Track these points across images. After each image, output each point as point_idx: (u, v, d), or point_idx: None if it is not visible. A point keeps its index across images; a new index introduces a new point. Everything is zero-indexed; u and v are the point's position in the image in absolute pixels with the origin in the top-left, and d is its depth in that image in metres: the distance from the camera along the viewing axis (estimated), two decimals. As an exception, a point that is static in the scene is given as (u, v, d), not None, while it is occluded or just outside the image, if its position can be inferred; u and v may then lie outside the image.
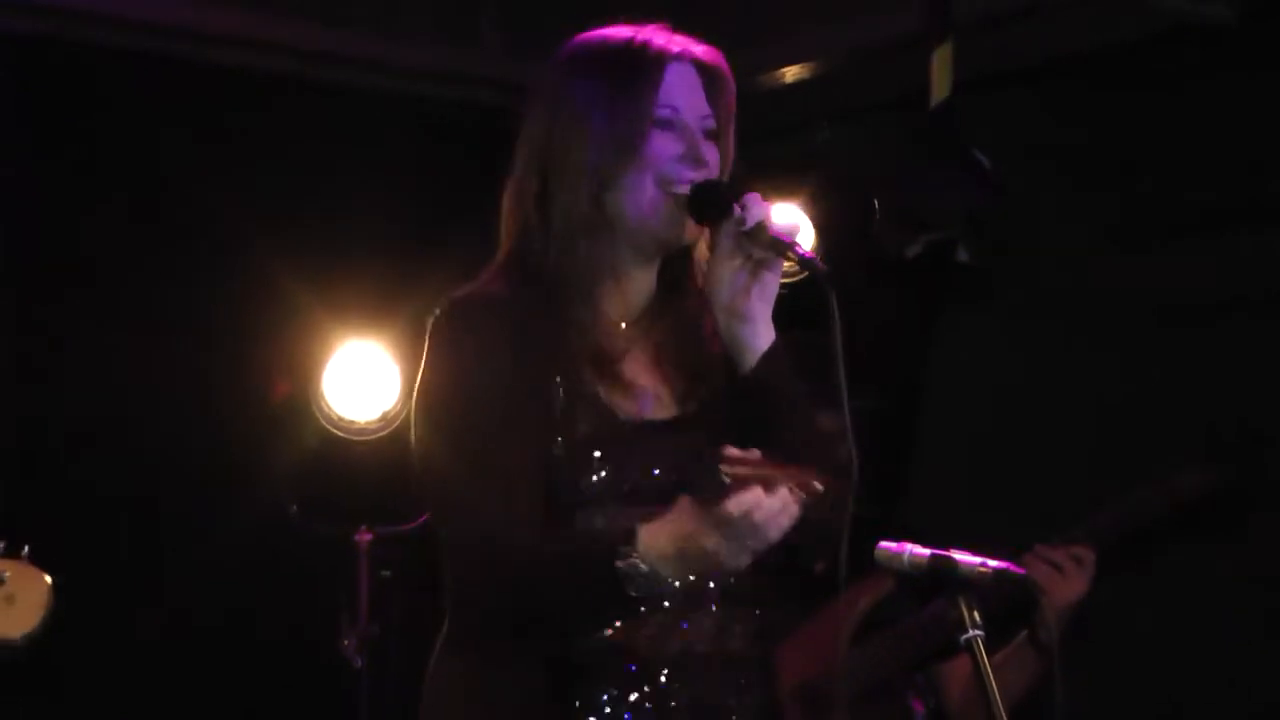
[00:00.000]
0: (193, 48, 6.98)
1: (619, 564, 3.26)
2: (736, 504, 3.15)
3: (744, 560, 3.22)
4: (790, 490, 3.20)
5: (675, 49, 3.52)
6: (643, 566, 3.26)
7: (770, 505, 3.17)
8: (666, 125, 3.48)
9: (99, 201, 6.69)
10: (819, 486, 3.24)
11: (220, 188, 6.68)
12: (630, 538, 3.24)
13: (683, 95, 3.52)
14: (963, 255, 5.81)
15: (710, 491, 3.25)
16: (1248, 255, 7.60)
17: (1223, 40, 6.32)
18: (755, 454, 3.23)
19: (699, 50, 3.55)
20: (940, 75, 5.79)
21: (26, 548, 2.72)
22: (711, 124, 3.54)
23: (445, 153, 6.94)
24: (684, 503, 3.23)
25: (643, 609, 3.42)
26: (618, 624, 3.46)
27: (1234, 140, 7.06)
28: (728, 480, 3.21)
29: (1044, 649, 4.83)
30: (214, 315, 6.77)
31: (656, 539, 3.25)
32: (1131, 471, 5.18)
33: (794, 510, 3.19)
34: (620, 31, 3.56)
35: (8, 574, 2.69)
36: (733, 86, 3.58)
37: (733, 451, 3.21)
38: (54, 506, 6.40)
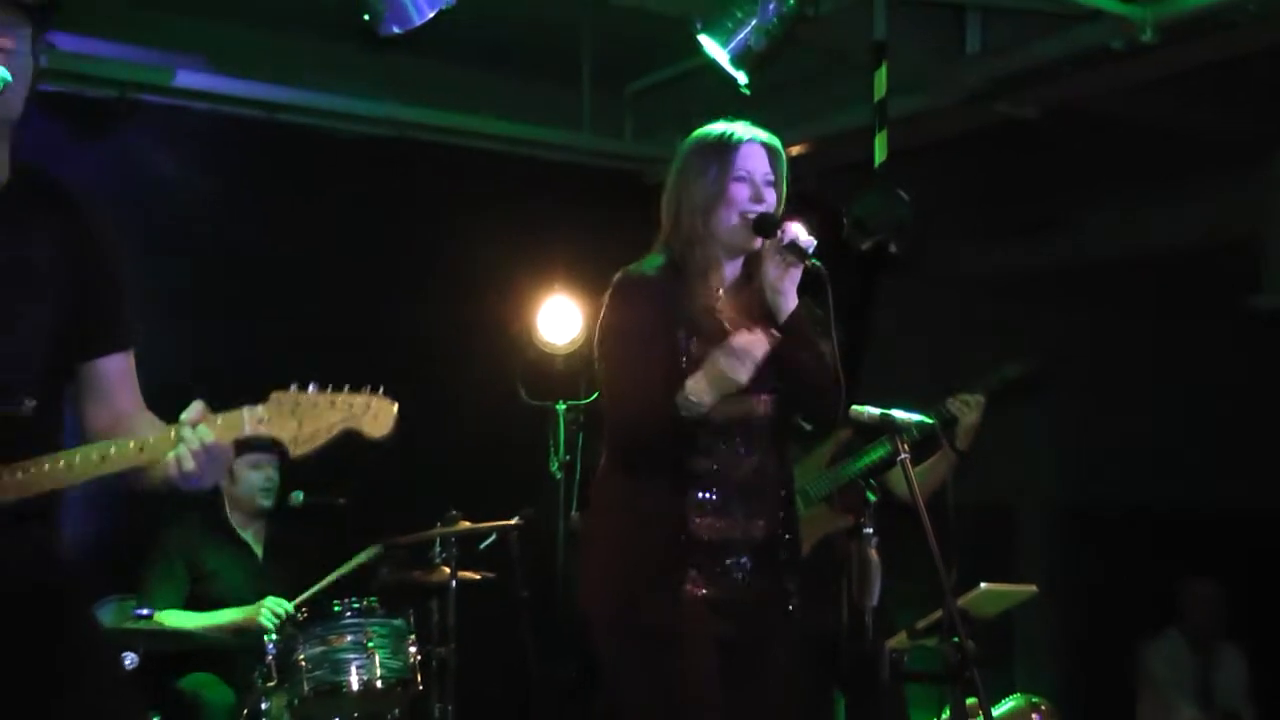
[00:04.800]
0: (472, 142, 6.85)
1: (676, 399, 3.36)
2: (734, 337, 3.32)
3: (745, 375, 3.32)
4: (764, 332, 3.33)
5: (748, 135, 3.55)
6: (691, 398, 3.35)
7: (751, 338, 3.30)
8: (742, 180, 3.50)
9: (428, 233, 6.64)
10: (776, 334, 3.36)
11: (489, 225, 6.62)
12: (681, 387, 3.36)
13: (752, 162, 3.53)
14: (893, 249, 5.80)
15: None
16: (1055, 251, 7.70)
17: (1029, 128, 6.31)
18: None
19: (764, 136, 3.57)
20: (880, 148, 5.77)
21: (375, 392, 2.65)
22: (770, 178, 3.54)
23: (605, 198, 6.90)
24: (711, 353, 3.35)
25: (724, 445, 3.49)
26: (714, 459, 3.49)
27: (1041, 184, 7.15)
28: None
29: (960, 452, 4.95)
30: (482, 288, 6.68)
31: (695, 378, 3.35)
32: (984, 368, 5.28)
33: (765, 343, 3.32)
34: (719, 127, 3.58)
35: (373, 402, 2.76)
36: (784, 157, 3.60)
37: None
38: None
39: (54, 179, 2.92)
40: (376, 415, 2.72)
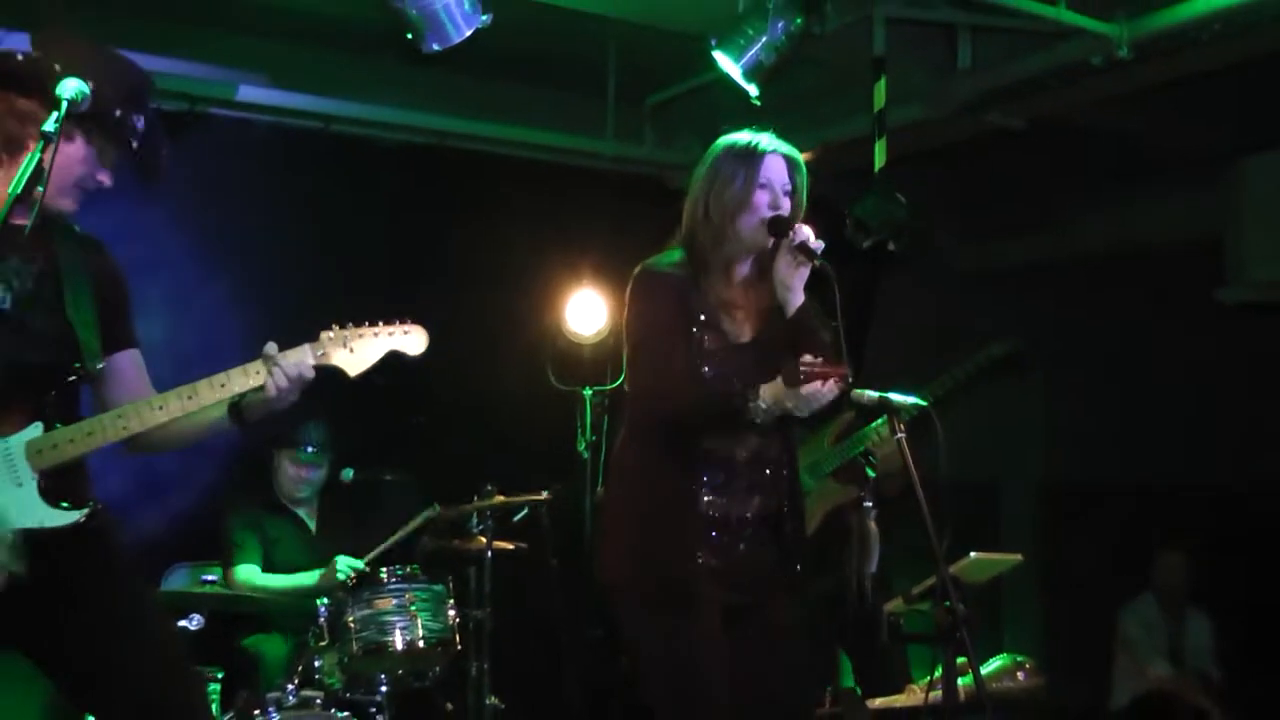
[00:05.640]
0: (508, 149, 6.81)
1: (750, 403, 3.34)
2: (808, 389, 3.26)
3: (807, 413, 3.34)
4: (836, 381, 3.28)
5: (771, 147, 3.51)
6: (762, 405, 3.33)
7: (824, 390, 3.27)
8: (764, 187, 3.45)
9: (466, 233, 6.60)
10: (849, 378, 3.31)
11: (521, 226, 6.61)
12: (756, 390, 3.34)
13: (773, 172, 3.48)
14: (892, 247, 5.79)
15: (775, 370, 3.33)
16: (1041, 249, 7.67)
17: (1018, 137, 6.31)
18: (819, 359, 3.28)
19: (784, 148, 3.53)
20: (879, 155, 5.75)
21: (407, 320, 3.16)
22: (789, 187, 3.50)
23: (627, 200, 6.89)
24: (780, 379, 3.31)
25: (732, 428, 3.46)
26: (722, 441, 3.47)
27: (1028, 187, 7.14)
28: (804, 371, 3.23)
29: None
30: (515, 283, 6.67)
31: (768, 392, 3.32)
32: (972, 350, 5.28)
33: (835, 391, 3.30)
34: (745, 136, 3.53)
35: (409, 328, 3.13)
36: (803, 168, 3.56)
37: (809, 357, 3.26)
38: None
39: (76, 228, 3.27)
40: (414, 337, 3.16)
